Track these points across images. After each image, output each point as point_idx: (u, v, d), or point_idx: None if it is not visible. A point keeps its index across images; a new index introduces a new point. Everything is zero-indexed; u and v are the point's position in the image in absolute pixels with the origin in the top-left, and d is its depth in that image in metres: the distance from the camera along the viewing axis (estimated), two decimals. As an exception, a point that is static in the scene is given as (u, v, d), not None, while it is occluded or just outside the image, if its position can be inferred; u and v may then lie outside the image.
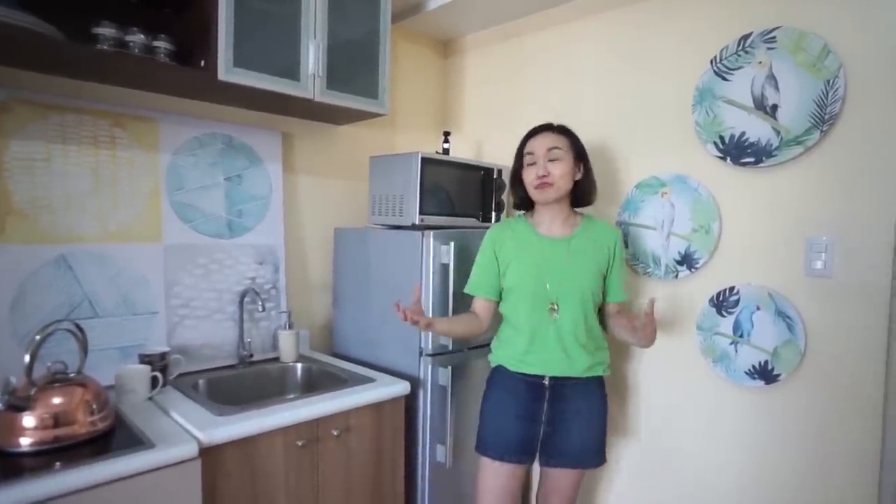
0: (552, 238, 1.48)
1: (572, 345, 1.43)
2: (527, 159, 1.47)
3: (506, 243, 1.50)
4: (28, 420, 1.09)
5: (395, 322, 1.72)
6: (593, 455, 1.48)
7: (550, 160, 1.43)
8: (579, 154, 1.48)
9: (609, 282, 1.51)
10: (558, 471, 1.49)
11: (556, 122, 1.50)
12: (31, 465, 1.03)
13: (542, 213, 1.51)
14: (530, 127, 1.51)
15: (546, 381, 1.44)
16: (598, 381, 1.50)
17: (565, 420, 1.45)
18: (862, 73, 1.30)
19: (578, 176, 1.48)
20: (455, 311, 1.65)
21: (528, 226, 1.51)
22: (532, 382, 1.45)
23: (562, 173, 1.43)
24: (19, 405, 1.09)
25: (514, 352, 1.48)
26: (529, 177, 1.46)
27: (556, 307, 1.43)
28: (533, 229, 1.50)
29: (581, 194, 1.51)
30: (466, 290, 1.56)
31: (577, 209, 1.54)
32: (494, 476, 1.49)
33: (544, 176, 1.42)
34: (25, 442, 1.08)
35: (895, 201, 1.26)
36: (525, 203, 1.54)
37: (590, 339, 1.46)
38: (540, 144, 1.45)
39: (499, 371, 1.52)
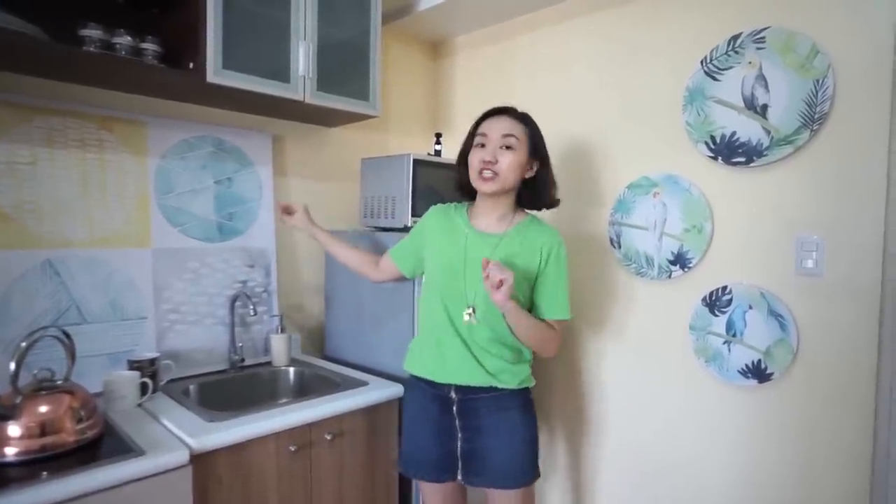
0: (481, 233, 1.33)
1: (484, 353, 1.30)
2: (478, 140, 1.32)
3: (434, 230, 1.39)
4: (13, 429, 1.07)
5: (389, 325, 1.72)
6: (518, 474, 1.31)
7: (502, 147, 1.28)
8: (536, 148, 1.33)
9: (538, 294, 1.32)
10: (495, 491, 1.34)
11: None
12: (16, 476, 1.01)
13: (479, 205, 1.37)
14: None
15: (452, 394, 1.32)
16: (521, 394, 1.35)
17: (482, 436, 1.31)
18: (850, 73, 1.31)
19: (530, 173, 1.33)
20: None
21: (465, 216, 1.38)
22: (438, 395, 1.34)
23: (510, 165, 1.28)
24: (4, 414, 1.07)
25: (420, 355, 1.37)
26: (475, 159, 1.30)
27: (473, 310, 1.29)
28: (468, 221, 1.37)
29: (531, 195, 1.36)
30: (389, 251, 1.51)
31: (526, 210, 1.40)
32: (429, 494, 1.43)
33: (490, 162, 1.27)
34: (11, 451, 1.06)
35: (884, 199, 1.27)
36: (466, 189, 1.38)
37: (507, 348, 1.32)
38: (495, 128, 1.30)
39: (410, 380, 1.41)
